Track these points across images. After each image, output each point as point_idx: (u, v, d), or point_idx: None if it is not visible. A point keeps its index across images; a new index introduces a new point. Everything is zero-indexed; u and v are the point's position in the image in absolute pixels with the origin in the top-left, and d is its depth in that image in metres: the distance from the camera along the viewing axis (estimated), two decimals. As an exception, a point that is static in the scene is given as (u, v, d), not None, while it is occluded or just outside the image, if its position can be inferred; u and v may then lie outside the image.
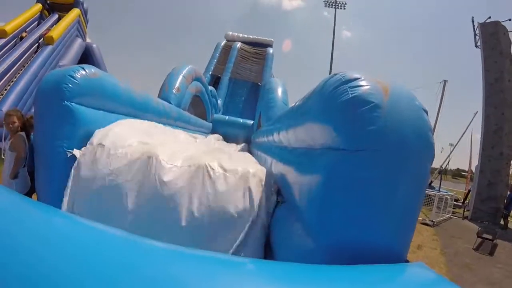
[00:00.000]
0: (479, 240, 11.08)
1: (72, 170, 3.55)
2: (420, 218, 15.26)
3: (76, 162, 3.59)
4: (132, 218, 3.31)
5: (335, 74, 2.39)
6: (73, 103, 3.63)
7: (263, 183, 3.54)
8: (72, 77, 3.65)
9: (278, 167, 3.63)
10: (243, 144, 10.87)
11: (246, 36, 26.03)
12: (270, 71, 22.33)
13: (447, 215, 17.60)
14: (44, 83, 3.78)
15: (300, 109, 3.22)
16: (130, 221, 3.29)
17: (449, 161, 31.68)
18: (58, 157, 3.62)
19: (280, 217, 3.28)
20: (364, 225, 2.05)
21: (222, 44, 24.46)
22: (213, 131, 14.56)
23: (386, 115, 2.00)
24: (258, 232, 3.32)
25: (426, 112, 2.18)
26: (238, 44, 24.24)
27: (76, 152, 3.62)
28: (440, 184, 26.51)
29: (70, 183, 3.50)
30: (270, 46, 25.35)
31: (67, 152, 3.60)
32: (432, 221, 14.48)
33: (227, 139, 12.81)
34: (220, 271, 1.60)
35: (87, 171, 3.52)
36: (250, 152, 8.27)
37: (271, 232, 3.39)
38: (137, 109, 5.37)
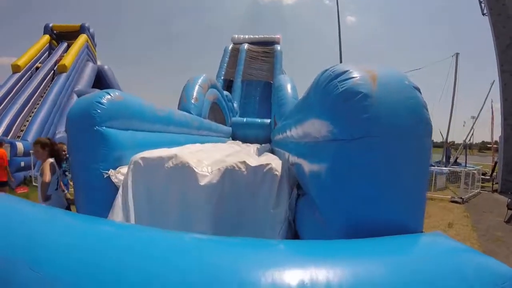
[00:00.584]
0: (510, 212, 10.91)
1: (120, 187, 3.82)
2: (449, 196, 15.12)
3: (124, 179, 3.85)
4: (176, 219, 3.71)
5: (326, 70, 2.58)
6: (103, 127, 3.82)
7: (284, 176, 3.84)
8: (99, 102, 3.84)
9: (295, 161, 3.83)
10: (264, 144, 11.03)
11: (252, 36, 26.05)
12: (281, 68, 22.32)
13: (476, 190, 17.27)
14: (74, 111, 3.98)
15: (302, 106, 3.53)
16: (174, 221, 3.70)
17: (472, 134, 30.90)
18: (95, 179, 3.82)
19: (302, 209, 3.50)
20: (373, 204, 2.22)
21: (230, 47, 24.49)
22: (233, 134, 14.79)
23: (377, 102, 2.16)
24: (284, 226, 3.63)
25: (418, 89, 2.32)
26: (245, 46, 24.31)
27: (112, 172, 3.85)
28: (466, 159, 26.04)
29: (119, 199, 3.77)
30: (278, 43, 25.22)
31: (104, 174, 3.81)
32: (461, 198, 14.27)
33: (248, 140, 12.95)
34: (255, 252, 1.82)
35: (132, 186, 3.81)
36: (272, 150, 8.42)
37: (296, 225, 3.64)
38: (161, 124, 5.56)
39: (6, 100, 17.85)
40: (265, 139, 13.21)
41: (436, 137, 34.64)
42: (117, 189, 3.85)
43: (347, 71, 2.33)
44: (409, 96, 2.24)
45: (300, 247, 2.09)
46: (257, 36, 26.15)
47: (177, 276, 1.50)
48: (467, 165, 22.99)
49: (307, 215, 3.19)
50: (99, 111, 3.80)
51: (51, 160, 5.21)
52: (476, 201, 14.78)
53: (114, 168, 3.94)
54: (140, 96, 4.99)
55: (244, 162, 3.86)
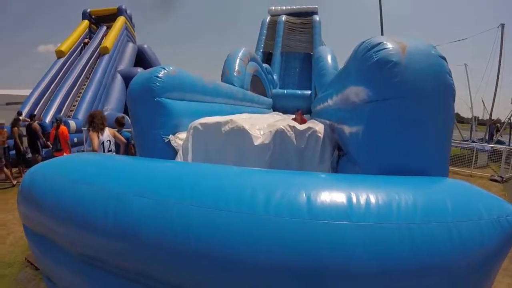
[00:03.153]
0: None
1: (180, 150, 4.34)
2: (488, 175, 14.80)
3: (183, 143, 4.38)
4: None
5: (363, 42, 3.02)
6: (162, 98, 4.25)
7: (326, 139, 4.25)
8: (158, 76, 4.26)
9: (336, 126, 4.23)
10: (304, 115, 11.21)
11: (289, 7, 25.79)
12: (320, 39, 22.13)
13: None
14: (135, 86, 4.40)
15: (342, 75, 3.97)
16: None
17: None
18: (157, 143, 4.32)
19: (343, 167, 3.91)
20: (402, 154, 2.68)
21: (267, 20, 24.41)
22: (274, 106, 15.05)
23: (405, 68, 2.58)
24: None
25: (444, 58, 2.68)
26: (283, 17, 24.12)
27: (171, 137, 4.32)
28: (510, 138, 24.76)
29: (178, 158, 4.30)
30: (316, 13, 24.85)
31: (164, 138, 4.29)
32: (501, 177, 13.97)
33: (289, 112, 13.05)
34: (302, 177, 2.44)
35: (192, 148, 4.35)
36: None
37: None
38: (210, 95, 5.98)
39: (54, 84, 18.63)
40: (305, 110, 13.18)
41: (480, 114, 33.04)
42: (176, 152, 4.33)
43: (380, 42, 2.77)
44: (434, 64, 2.63)
45: (342, 177, 2.68)
46: (294, 7, 25.85)
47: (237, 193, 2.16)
48: (511, 144, 22.10)
49: (347, 172, 3.58)
50: (158, 84, 4.22)
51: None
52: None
53: (173, 134, 4.39)
54: None
55: (291, 126, 4.27)
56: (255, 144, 4.19)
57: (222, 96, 6.82)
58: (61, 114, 16.14)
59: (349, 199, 1.94)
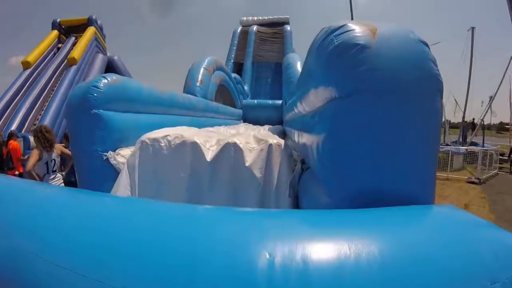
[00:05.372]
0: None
1: (125, 167, 3.89)
2: (465, 177, 14.99)
3: (129, 159, 3.95)
4: (184, 195, 3.81)
5: (323, 28, 2.42)
6: (100, 110, 3.81)
7: (284, 153, 3.86)
8: (96, 86, 3.83)
9: (300, 136, 3.75)
10: (275, 126, 10.91)
11: (260, 18, 25.90)
12: (291, 48, 22.08)
13: (494, 171, 17.11)
14: (72, 97, 3.97)
15: (303, 76, 3.49)
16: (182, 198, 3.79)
17: (490, 113, 29.97)
18: (95, 161, 3.84)
19: (304, 183, 3.40)
20: (375, 169, 2.00)
21: (239, 30, 24.44)
22: (244, 117, 14.76)
23: (376, 53, 1.96)
24: (285, 199, 3.67)
25: (425, 44, 2.09)
26: (254, 28, 24.20)
27: (110, 154, 3.87)
28: (484, 139, 25.65)
29: (123, 179, 3.84)
30: (287, 23, 25.04)
31: (102, 156, 3.83)
32: (478, 178, 14.19)
33: (260, 122, 12.89)
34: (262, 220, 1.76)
35: (139, 165, 3.92)
36: (283, 131, 8.40)
37: (299, 198, 3.58)
38: (163, 106, 5.56)
39: (19, 96, 18.12)
40: (277, 121, 13.09)
41: (453, 117, 33.98)
42: (116, 171, 3.89)
43: (344, 25, 2.14)
44: (413, 49, 2.04)
45: (305, 216, 1.94)
46: (266, 18, 26.03)
47: (190, 248, 1.41)
48: (484, 145, 22.66)
49: (308, 189, 3.08)
50: (95, 94, 3.79)
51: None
52: (494, 182, 14.60)
53: (114, 150, 3.95)
54: (154, 84, 5.08)
55: (242, 140, 3.94)
56: (208, 160, 3.83)
57: (179, 107, 6.42)
58: (25, 127, 15.64)
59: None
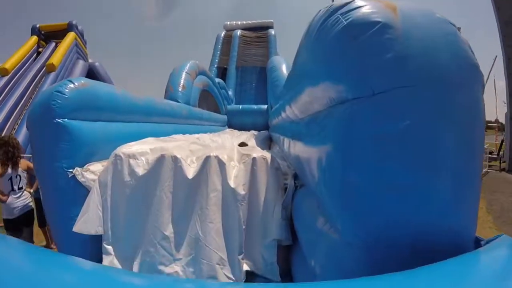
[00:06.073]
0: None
1: (96, 184, 3.41)
2: None
3: (101, 175, 3.47)
4: (168, 217, 3.38)
5: (320, 10, 1.87)
6: (65, 119, 3.32)
7: (269, 165, 3.47)
8: (60, 92, 3.34)
9: (292, 145, 3.28)
10: (261, 131, 10.61)
11: (244, 22, 25.59)
12: (276, 52, 21.71)
13: (484, 170, 16.98)
14: (34, 106, 3.52)
15: (294, 74, 2.92)
16: (159, 217, 3.38)
17: None
18: (60, 180, 3.32)
19: (299, 203, 2.93)
20: (407, 198, 1.42)
21: (222, 35, 24.02)
22: (229, 123, 14.37)
23: (404, 34, 1.41)
24: (275, 222, 3.29)
25: (454, 25, 1.57)
26: (238, 32, 23.80)
27: (78, 171, 3.36)
28: None
29: (94, 198, 3.37)
30: (271, 27, 24.74)
31: (68, 172, 3.32)
32: None
33: (245, 128, 12.63)
34: None
35: (112, 182, 3.46)
36: (269, 137, 8.04)
37: (293, 220, 3.12)
38: (141, 114, 5.08)
39: (-4, 104, 17.49)
40: (263, 126, 12.73)
41: None
42: (85, 188, 3.40)
43: (351, 1, 1.59)
44: (446, 32, 1.51)
45: None
46: (249, 22, 25.72)
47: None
48: None
49: (304, 212, 2.61)
50: (59, 101, 3.30)
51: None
52: (485, 181, 14.34)
53: (82, 166, 3.44)
54: (139, 92, 4.65)
55: (224, 154, 3.55)
56: (189, 177, 3.39)
57: (159, 115, 5.94)
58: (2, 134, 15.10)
59: None
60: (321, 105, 1.93)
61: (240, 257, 3.20)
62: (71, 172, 3.33)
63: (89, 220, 3.29)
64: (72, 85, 3.49)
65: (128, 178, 3.46)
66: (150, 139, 4.17)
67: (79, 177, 3.35)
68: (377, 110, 1.43)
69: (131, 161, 3.49)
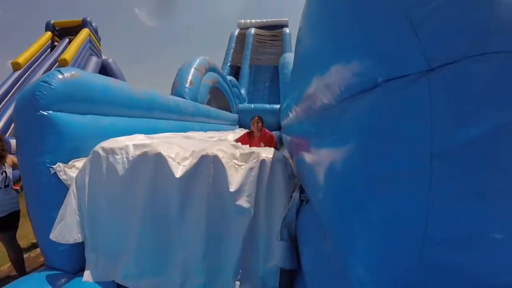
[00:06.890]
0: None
1: (73, 184, 3.11)
2: None
3: (79, 173, 3.15)
4: (151, 224, 3.04)
5: None
6: (50, 112, 3.06)
7: (281, 170, 3.01)
8: (47, 82, 3.09)
9: (295, 150, 2.89)
10: (273, 132, 10.27)
11: (259, 20, 25.33)
12: (290, 51, 20.91)
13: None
14: (19, 97, 3.27)
15: (296, 62, 2.61)
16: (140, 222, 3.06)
17: None
18: (42, 177, 3.05)
19: (305, 221, 2.44)
20: (462, 238, 0.74)
21: (236, 33, 23.74)
22: (240, 122, 14.07)
23: None
24: (283, 243, 2.72)
25: None
26: (252, 30, 23.48)
27: (59, 167, 3.08)
28: None
29: (71, 198, 3.08)
30: (286, 26, 24.32)
31: (50, 169, 3.04)
32: None
33: (257, 128, 12.08)
34: None
35: (89, 181, 3.15)
36: (281, 138, 7.70)
37: (298, 241, 2.58)
38: (141, 108, 4.80)
39: (7, 98, 17.39)
40: (275, 126, 12.15)
41: None
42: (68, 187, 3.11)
43: None
44: None
45: None
46: (264, 20, 25.40)
47: None
48: None
49: (310, 233, 2.12)
50: (45, 92, 3.04)
51: None
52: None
53: (66, 162, 3.16)
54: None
55: (225, 153, 3.10)
56: (177, 177, 2.96)
57: (162, 110, 5.65)
58: (9, 131, 14.93)
59: None
60: (330, 97, 1.35)
61: (234, 279, 2.82)
62: (53, 168, 3.06)
63: (66, 227, 3.00)
64: (60, 76, 3.23)
65: (107, 177, 3.15)
66: (139, 135, 3.80)
67: (60, 174, 3.07)
68: (438, 89, 0.73)
69: (109, 158, 3.17)
